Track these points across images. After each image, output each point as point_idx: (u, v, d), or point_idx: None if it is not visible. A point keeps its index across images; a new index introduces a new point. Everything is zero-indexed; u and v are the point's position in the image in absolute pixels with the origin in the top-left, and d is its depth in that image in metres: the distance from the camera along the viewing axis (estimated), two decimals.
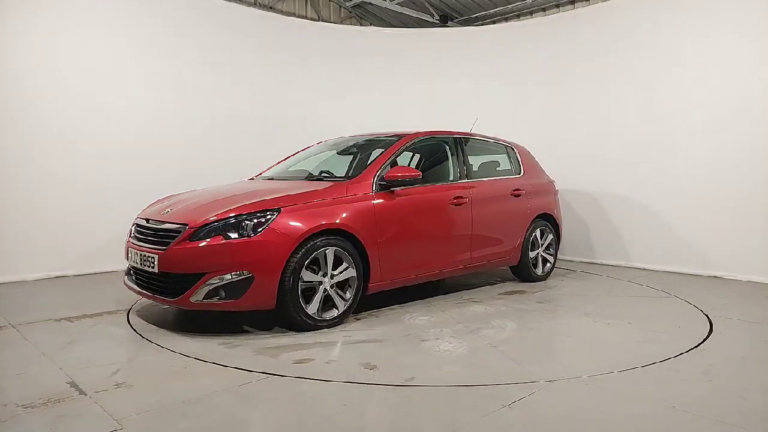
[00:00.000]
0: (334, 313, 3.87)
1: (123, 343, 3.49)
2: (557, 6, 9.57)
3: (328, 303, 3.86)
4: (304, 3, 10.45)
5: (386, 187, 4.27)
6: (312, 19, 10.00)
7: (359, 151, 5.10)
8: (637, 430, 2.29)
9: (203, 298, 3.54)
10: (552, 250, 5.77)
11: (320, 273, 3.79)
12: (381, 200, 4.20)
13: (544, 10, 9.78)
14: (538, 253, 5.61)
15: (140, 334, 3.66)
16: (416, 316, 4.20)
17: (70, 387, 2.70)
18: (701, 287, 5.41)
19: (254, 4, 9.53)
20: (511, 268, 5.62)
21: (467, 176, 5.01)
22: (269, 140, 7.43)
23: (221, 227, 3.59)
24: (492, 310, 4.42)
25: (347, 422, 2.34)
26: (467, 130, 5.57)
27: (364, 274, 4.07)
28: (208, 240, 3.55)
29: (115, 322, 3.98)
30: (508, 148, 5.74)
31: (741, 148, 5.74)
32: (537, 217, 5.54)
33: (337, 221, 3.86)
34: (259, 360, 3.15)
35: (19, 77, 5.60)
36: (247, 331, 3.78)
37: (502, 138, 5.82)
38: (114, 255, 6.14)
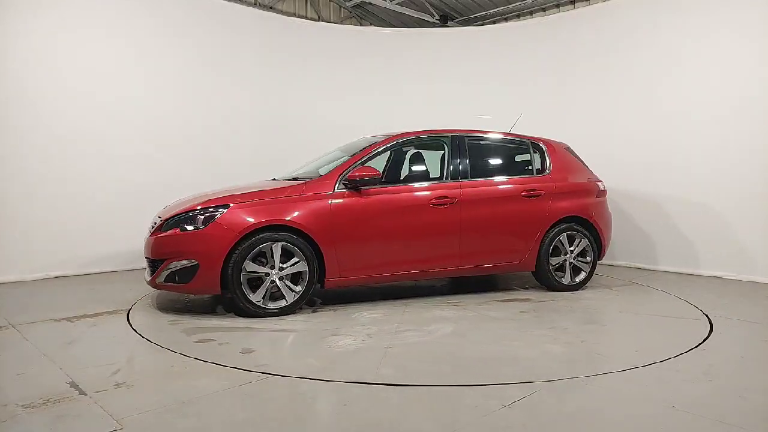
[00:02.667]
0: (282, 303, 4.14)
1: (123, 343, 3.49)
2: (557, 6, 9.57)
3: (278, 293, 4.17)
4: (304, 3, 10.45)
5: (352, 186, 4.38)
6: (312, 19, 10.00)
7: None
8: (637, 430, 2.29)
9: (164, 281, 4.12)
10: (588, 258, 5.19)
11: (268, 265, 4.09)
12: (341, 199, 4.35)
13: (544, 10, 9.78)
14: (565, 260, 5.10)
15: (140, 334, 3.65)
16: (368, 314, 4.24)
17: (70, 387, 2.70)
18: (701, 287, 5.41)
19: (254, 4, 9.53)
20: (534, 275, 5.23)
21: (463, 176, 4.83)
22: (269, 140, 7.44)
23: (180, 220, 4.13)
24: (456, 315, 4.22)
25: (348, 422, 2.34)
26: (480, 129, 5.29)
27: (321, 270, 4.27)
28: (170, 231, 4.12)
29: (115, 322, 3.97)
30: (534, 146, 5.31)
31: (741, 147, 5.75)
32: (563, 220, 5.07)
33: (283, 218, 4.13)
34: (176, 336, 3.62)
35: (19, 78, 5.59)
36: (201, 313, 4.28)
37: (531, 135, 5.42)
38: (114, 255, 6.16)
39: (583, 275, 5.20)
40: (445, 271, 4.77)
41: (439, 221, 4.62)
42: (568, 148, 5.53)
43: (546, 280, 5.11)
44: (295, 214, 4.18)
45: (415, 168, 5.13)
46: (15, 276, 5.46)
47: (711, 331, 3.81)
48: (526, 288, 5.28)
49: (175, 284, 4.09)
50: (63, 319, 4.03)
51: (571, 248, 5.13)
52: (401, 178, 5.06)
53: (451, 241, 4.68)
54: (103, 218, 6.06)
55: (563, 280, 5.11)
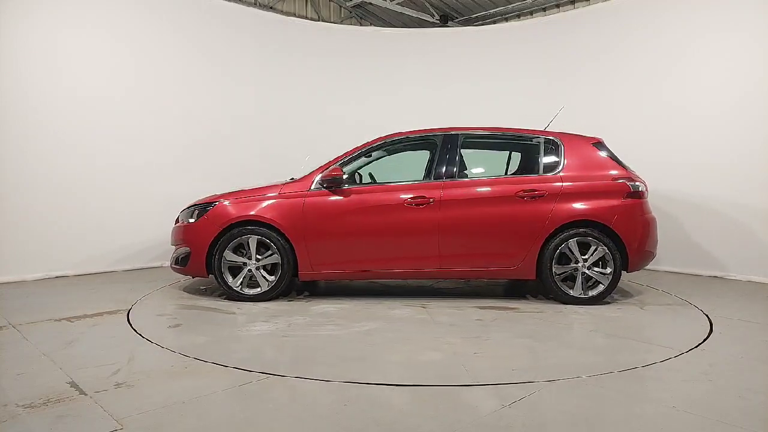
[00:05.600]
0: (257, 290, 4.64)
1: (123, 343, 3.48)
2: (557, 6, 9.56)
3: (255, 281, 4.66)
4: (304, 3, 10.45)
5: (327, 186, 4.63)
6: (312, 19, 10.00)
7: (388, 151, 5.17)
8: (637, 430, 2.29)
9: (173, 264, 4.87)
10: (608, 268, 4.52)
11: (246, 256, 4.61)
12: (315, 198, 4.63)
13: (544, 10, 9.78)
14: (576, 269, 4.54)
15: (140, 334, 3.66)
16: (327, 307, 4.49)
17: (70, 387, 2.70)
18: (701, 287, 5.41)
19: (254, 4, 9.52)
20: (544, 285, 4.68)
21: (449, 176, 4.66)
22: (270, 140, 7.45)
23: (186, 214, 4.87)
24: (405, 316, 4.21)
25: (348, 422, 2.34)
26: (483, 126, 5.08)
27: (295, 263, 4.62)
28: (179, 223, 4.92)
29: (115, 322, 3.98)
30: (547, 142, 4.82)
31: (740, 147, 5.75)
32: (574, 224, 4.53)
33: (257, 214, 4.59)
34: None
35: (21, 79, 5.59)
36: (199, 295, 5.07)
37: (546, 131, 4.99)
38: (114, 255, 6.16)
39: (600, 288, 4.54)
40: (425, 272, 4.67)
41: (415, 222, 4.55)
42: (598, 144, 4.88)
43: (551, 291, 4.61)
44: (269, 211, 4.60)
45: (402, 168, 5.12)
46: (15, 276, 5.46)
47: (711, 331, 3.81)
48: (529, 298, 4.84)
49: (179, 267, 4.80)
50: (63, 319, 4.03)
51: (584, 257, 4.54)
52: (388, 178, 5.05)
53: (428, 242, 4.57)
54: (104, 219, 6.06)
55: (572, 292, 4.55)
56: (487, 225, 4.59)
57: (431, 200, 4.56)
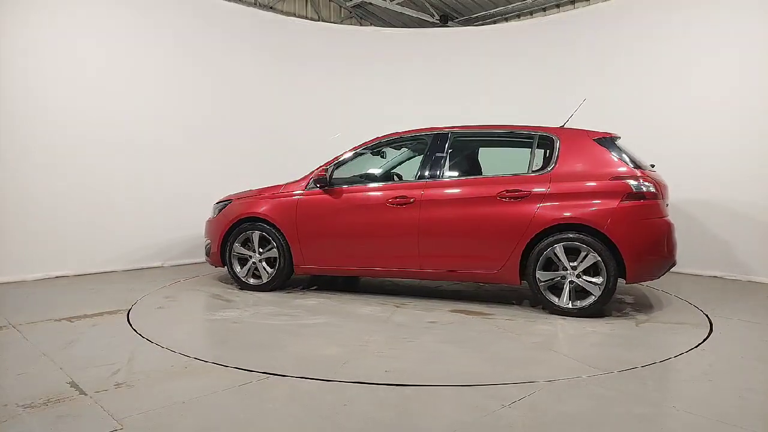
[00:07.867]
0: (259, 281, 5.06)
1: (123, 343, 3.48)
2: (557, 6, 9.57)
3: (258, 272, 5.09)
4: (304, 3, 10.45)
5: (320, 186, 4.84)
6: (312, 19, 10.00)
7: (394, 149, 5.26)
8: (637, 430, 2.29)
9: (205, 254, 5.42)
10: (601, 276, 4.06)
11: (251, 249, 5.05)
12: (308, 197, 4.89)
13: (544, 10, 9.78)
14: (563, 277, 4.15)
15: (140, 334, 3.66)
16: (305, 301, 4.72)
17: (70, 387, 2.70)
18: (701, 287, 5.41)
19: (254, 4, 9.53)
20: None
21: (433, 175, 4.56)
22: (269, 141, 7.44)
23: (213, 211, 5.42)
24: (366, 314, 4.25)
25: (347, 422, 2.34)
26: (479, 124, 4.95)
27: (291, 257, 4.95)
28: (209, 218, 5.46)
29: (115, 322, 3.98)
30: (542, 139, 4.52)
31: (739, 148, 5.75)
32: (561, 227, 4.15)
33: (254, 211, 5.00)
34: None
35: (16, 77, 5.58)
36: (222, 283, 5.66)
37: (543, 126, 4.65)
38: (114, 255, 6.15)
39: (591, 299, 4.09)
40: (407, 272, 4.64)
41: (395, 221, 4.55)
42: (602, 140, 4.41)
43: (537, 300, 4.31)
44: (270, 209, 4.96)
45: (392, 167, 5.18)
46: (15, 276, 5.46)
47: (711, 331, 3.81)
48: (515, 305, 4.54)
49: (206, 257, 5.38)
50: (63, 319, 4.03)
51: (573, 264, 4.13)
52: (380, 177, 5.08)
53: (408, 242, 4.52)
54: (104, 218, 6.05)
55: (559, 301, 4.16)
56: (465, 226, 4.39)
57: (411, 200, 4.52)
